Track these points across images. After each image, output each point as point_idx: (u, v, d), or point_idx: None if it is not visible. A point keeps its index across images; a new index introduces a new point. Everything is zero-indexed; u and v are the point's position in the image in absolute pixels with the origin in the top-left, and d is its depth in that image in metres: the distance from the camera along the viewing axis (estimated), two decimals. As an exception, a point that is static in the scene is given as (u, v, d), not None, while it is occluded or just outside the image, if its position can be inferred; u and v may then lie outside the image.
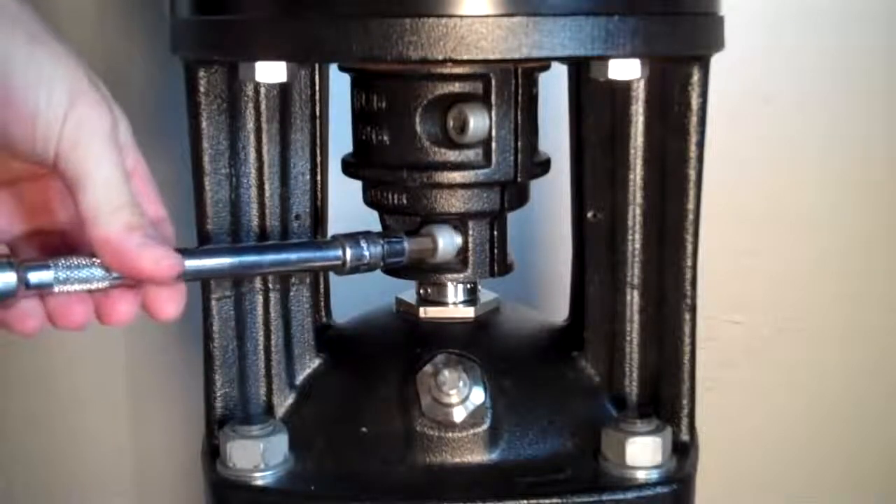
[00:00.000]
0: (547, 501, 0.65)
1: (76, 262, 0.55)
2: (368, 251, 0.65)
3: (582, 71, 0.70)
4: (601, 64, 0.60)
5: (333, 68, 0.71)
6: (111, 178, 0.54)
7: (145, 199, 0.59)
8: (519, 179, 0.68)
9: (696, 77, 0.64)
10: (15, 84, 0.52)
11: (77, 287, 0.55)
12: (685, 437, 0.69)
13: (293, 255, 0.63)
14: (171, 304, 0.58)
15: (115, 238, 0.54)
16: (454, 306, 0.73)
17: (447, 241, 0.69)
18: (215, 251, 0.61)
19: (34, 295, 0.55)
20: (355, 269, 0.64)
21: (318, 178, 0.72)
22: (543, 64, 0.69)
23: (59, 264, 0.55)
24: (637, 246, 0.70)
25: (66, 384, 1.04)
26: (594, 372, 0.72)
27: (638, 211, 0.69)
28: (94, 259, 0.56)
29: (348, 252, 0.64)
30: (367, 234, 0.65)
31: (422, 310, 0.73)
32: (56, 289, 0.55)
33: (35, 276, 0.54)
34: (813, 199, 1.04)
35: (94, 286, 0.56)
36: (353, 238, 0.65)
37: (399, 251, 0.67)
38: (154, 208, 0.60)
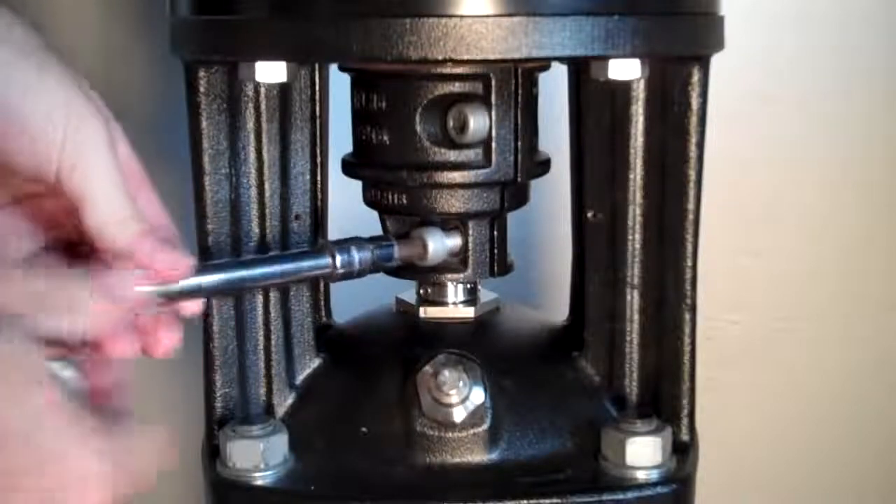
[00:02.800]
0: (547, 501, 0.65)
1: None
2: (357, 257, 0.64)
3: (582, 71, 0.70)
4: (601, 64, 0.60)
5: (333, 68, 0.71)
6: (112, 194, 0.55)
7: (145, 204, 0.59)
8: (519, 179, 0.68)
9: (696, 77, 0.64)
10: (25, 112, 0.54)
11: None
12: (685, 437, 0.69)
13: (282, 267, 0.62)
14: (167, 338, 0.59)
15: (125, 249, 0.55)
16: (454, 306, 0.73)
17: (437, 245, 0.69)
18: (204, 269, 0.59)
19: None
20: (345, 276, 0.64)
21: (318, 178, 0.72)
22: (543, 64, 0.69)
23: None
24: (637, 246, 0.70)
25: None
26: (594, 372, 0.72)
27: (638, 211, 0.69)
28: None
29: (338, 259, 0.64)
30: (356, 241, 0.65)
31: (422, 310, 0.73)
32: None
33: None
34: (812, 199, 1.04)
35: None
36: (342, 245, 0.64)
37: (388, 256, 0.67)
38: (154, 213, 0.60)
